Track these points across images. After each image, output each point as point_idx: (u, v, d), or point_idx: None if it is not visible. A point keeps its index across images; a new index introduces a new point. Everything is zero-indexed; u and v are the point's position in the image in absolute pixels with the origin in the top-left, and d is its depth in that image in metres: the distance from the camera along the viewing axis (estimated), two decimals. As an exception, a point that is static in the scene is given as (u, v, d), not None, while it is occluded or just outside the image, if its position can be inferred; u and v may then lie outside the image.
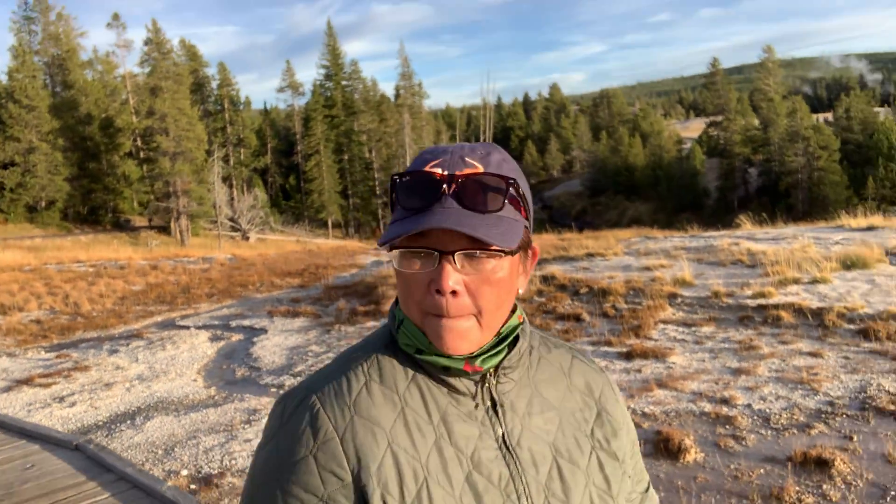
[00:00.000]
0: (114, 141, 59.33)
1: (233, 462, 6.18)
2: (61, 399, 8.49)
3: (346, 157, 73.62)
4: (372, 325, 11.73)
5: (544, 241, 22.30)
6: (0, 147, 52.58)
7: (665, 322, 9.86)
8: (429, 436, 0.96)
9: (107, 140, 59.28)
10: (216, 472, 5.99)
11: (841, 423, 5.96)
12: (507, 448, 0.98)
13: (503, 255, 0.94)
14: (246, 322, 12.97)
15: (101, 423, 7.61)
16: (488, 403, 1.00)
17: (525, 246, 1.02)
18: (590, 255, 16.72)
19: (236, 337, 11.80)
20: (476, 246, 0.92)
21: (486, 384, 1.00)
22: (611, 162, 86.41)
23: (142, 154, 60.35)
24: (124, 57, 67.04)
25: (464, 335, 0.94)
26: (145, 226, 58.84)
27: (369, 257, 25.81)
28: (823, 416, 6.15)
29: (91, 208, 59.66)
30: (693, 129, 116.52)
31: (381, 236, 0.96)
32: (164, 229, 56.15)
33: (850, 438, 5.64)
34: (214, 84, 75.21)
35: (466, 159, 0.95)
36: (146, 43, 60.35)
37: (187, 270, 22.54)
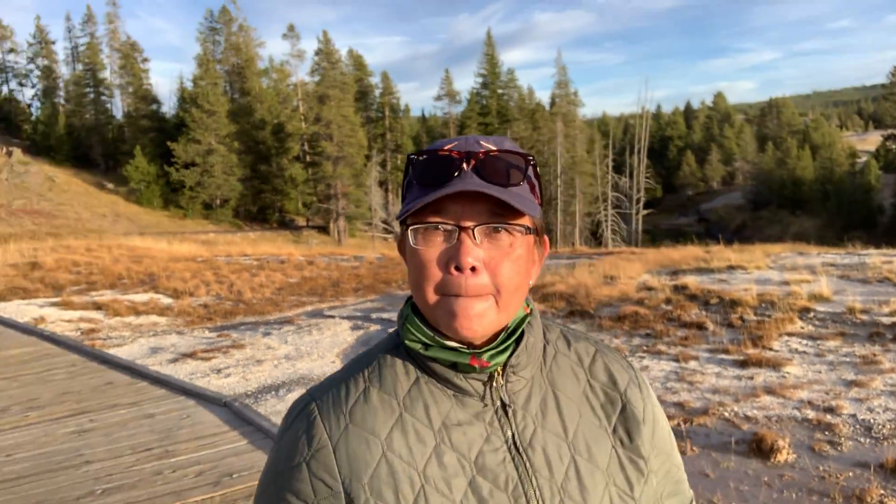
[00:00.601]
0: (283, 145, 63.43)
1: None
2: (218, 371, 9.64)
3: (498, 164, 74.64)
4: (500, 322, 12.33)
5: (686, 253, 21.96)
6: (183, 148, 57.64)
7: (790, 335, 9.77)
8: (428, 441, 0.95)
9: (277, 144, 63.43)
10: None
11: (946, 438, 5.90)
12: (518, 450, 0.96)
13: (522, 231, 0.95)
14: (385, 315, 13.89)
15: (249, 393, 8.63)
16: (497, 404, 0.98)
17: (539, 231, 1.01)
18: (731, 268, 16.45)
19: (374, 327, 12.71)
20: (496, 220, 0.93)
21: (494, 384, 0.98)
22: (776, 174, 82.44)
23: (307, 158, 64.03)
24: (297, 66, 71.50)
25: (481, 315, 0.92)
26: (307, 225, 62.45)
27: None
28: (930, 430, 6.10)
29: (260, 207, 64.04)
30: (871, 142, 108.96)
31: (399, 211, 0.96)
32: (324, 229, 59.42)
33: (952, 452, 5.60)
34: (377, 92, 78.62)
35: (481, 142, 0.96)
36: (317, 53, 64.19)
37: (339, 267, 24.05)
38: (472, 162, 0.93)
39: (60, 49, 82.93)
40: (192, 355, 10.51)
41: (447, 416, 0.96)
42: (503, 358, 0.96)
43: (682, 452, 5.96)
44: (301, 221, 64.28)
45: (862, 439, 6.02)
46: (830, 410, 6.71)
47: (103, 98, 73.72)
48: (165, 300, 16.39)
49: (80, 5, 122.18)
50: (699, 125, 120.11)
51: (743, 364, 8.47)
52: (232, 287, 18.08)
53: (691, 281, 14.28)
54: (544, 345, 1.06)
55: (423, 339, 0.97)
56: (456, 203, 0.92)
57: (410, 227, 0.94)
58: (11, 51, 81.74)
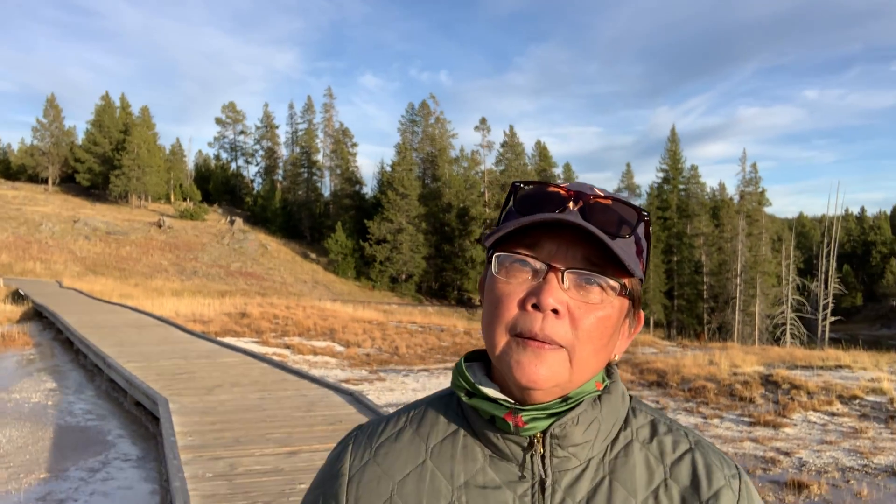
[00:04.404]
0: (466, 228, 68.59)
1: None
2: (361, 391, 13.02)
3: (675, 258, 75.35)
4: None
5: (827, 355, 22.96)
6: (377, 226, 64.24)
7: (817, 411, 11.62)
8: (443, 496, 0.88)
9: (461, 227, 68.71)
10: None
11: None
12: None
13: (617, 290, 0.86)
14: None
15: (377, 407, 11.88)
16: (537, 479, 0.87)
17: (636, 300, 0.92)
18: (839, 367, 17.80)
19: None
20: (591, 268, 0.84)
21: (533, 453, 0.88)
22: None
23: (487, 241, 68.69)
24: (485, 156, 77.10)
25: (550, 364, 0.82)
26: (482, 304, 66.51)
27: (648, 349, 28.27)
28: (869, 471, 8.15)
29: (441, 285, 69.22)
30: None
31: (491, 231, 0.87)
32: (497, 309, 63.08)
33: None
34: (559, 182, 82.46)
35: (595, 188, 0.89)
36: (502, 145, 69.38)
37: (490, 338, 27.29)
38: (580, 203, 0.86)
39: (283, 133, 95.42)
40: (346, 381, 13.99)
41: (473, 476, 0.89)
42: (543, 424, 0.86)
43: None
44: (477, 300, 68.31)
45: (792, 471, 8.19)
46: (786, 454, 8.85)
47: (315, 178, 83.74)
48: (338, 347, 20.28)
49: (303, 94, 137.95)
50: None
51: (752, 423, 10.59)
52: (392, 344, 21.74)
53: (783, 372, 15.96)
54: (619, 430, 0.92)
55: (467, 385, 0.90)
56: (551, 241, 0.85)
57: (496, 254, 0.87)
58: (242, 132, 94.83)
